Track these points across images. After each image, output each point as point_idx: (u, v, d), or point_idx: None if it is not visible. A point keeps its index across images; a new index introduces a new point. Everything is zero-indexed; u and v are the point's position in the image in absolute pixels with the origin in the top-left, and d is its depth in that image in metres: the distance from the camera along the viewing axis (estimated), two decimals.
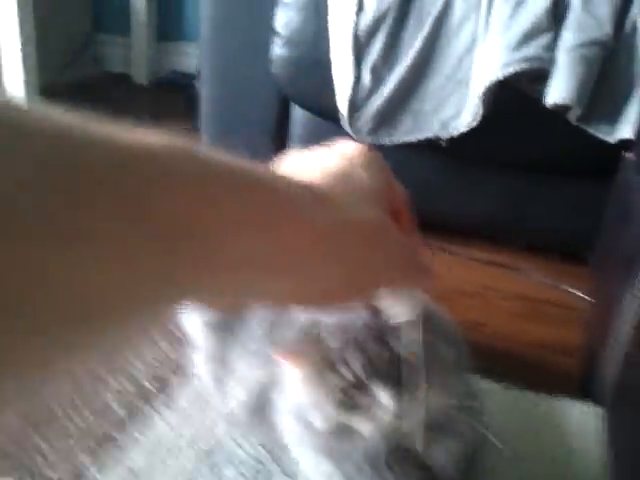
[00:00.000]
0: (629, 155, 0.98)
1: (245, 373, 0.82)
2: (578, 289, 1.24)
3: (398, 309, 0.63)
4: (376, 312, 0.65)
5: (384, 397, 0.62)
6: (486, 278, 1.32)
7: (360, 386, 0.63)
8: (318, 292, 0.38)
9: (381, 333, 0.63)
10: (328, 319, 0.66)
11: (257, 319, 0.83)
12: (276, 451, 0.83)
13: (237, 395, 0.83)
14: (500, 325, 1.16)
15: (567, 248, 1.34)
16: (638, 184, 0.87)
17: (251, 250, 0.31)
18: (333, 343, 0.64)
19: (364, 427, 0.65)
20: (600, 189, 1.09)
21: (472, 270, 1.35)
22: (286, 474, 0.82)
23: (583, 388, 0.94)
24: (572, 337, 1.08)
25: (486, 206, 1.38)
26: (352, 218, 0.38)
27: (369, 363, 0.62)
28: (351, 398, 0.64)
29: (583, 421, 0.90)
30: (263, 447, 0.85)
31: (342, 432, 0.66)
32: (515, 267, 1.34)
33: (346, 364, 0.63)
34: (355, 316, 0.65)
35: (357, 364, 0.63)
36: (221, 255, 0.29)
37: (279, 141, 1.47)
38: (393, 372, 0.62)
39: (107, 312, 0.23)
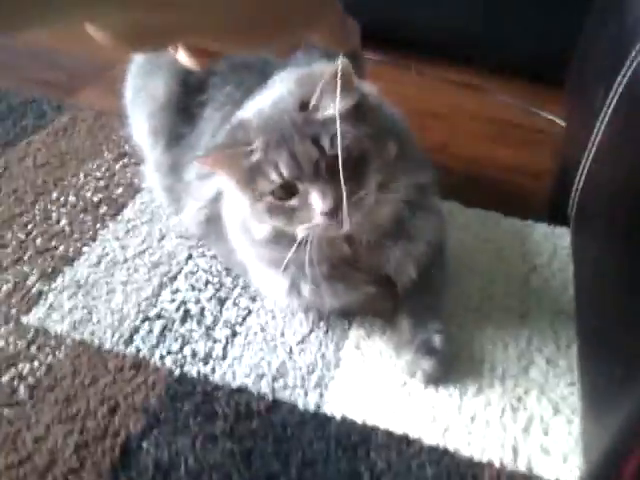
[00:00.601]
0: None
1: (197, 185, 0.77)
2: (548, 112, 1.19)
3: (332, 102, 0.56)
4: (306, 107, 0.59)
5: (314, 198, 0.58)
6: (454, 99, 1.25)
7: (289, 187, 0.59)
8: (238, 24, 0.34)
9: (309, 129, 0.58)
10: (258, 117, 0.61)
11: (205, 121, 0.77)
12: (229, 263, 0.80)
13: (191, 208, 0.79)
14: (467, 147, 1.11)
15: (539, 71, 1.27)
16: None
17: None
18: (259, 143, 0.59)
19: (299, 232, 0.61)
20: (576, 12, 0.99)
21: (441, 91, 1.28)
22: (238, 286, 0.79)
23: (550, 211, 0.92)
24: (540, 160, 1.05)
25: (456, 21, 1.28)
26: None
27: (293, 161, 0.57)
28: (282, 201, 0.60)
29: (544, 240, 0.89)
30: (216, 259, 0.82)
31: (280, 239, 0.64)
32: (485, 88, 1.27)
33: (272, 164, 0.58)
34: (283, 112, 0.59)
35: (282, 163, 0.58)
36: None
37: None
38: (321, 170, 0.57)
39: None
